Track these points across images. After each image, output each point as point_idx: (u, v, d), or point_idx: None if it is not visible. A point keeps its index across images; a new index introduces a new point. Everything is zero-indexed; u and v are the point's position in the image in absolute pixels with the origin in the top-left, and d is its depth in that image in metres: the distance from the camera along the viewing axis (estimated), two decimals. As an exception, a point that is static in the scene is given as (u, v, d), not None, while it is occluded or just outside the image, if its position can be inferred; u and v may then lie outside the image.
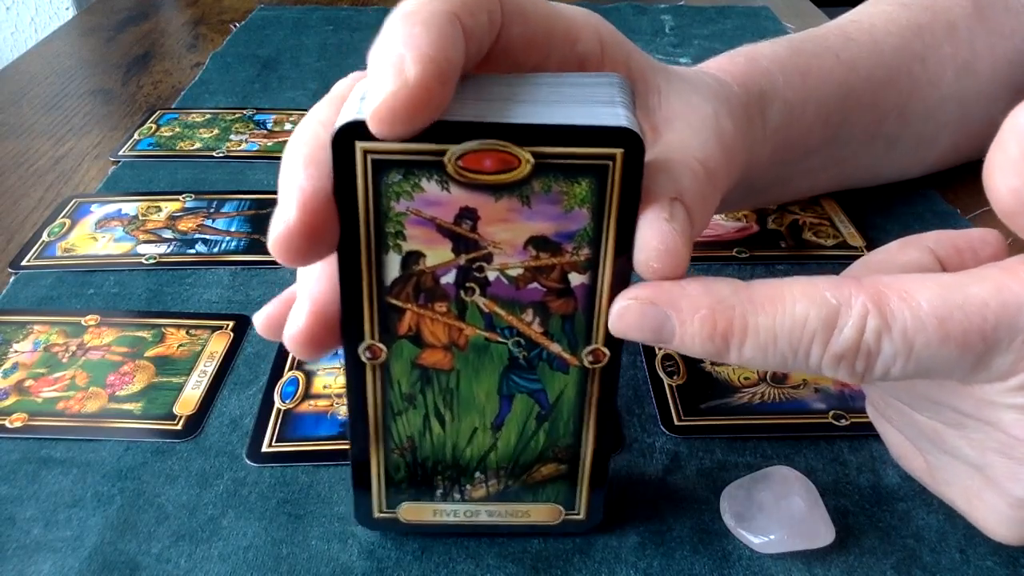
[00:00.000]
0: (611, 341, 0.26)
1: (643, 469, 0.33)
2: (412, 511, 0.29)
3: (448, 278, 0.25)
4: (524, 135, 0.22)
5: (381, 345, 0.26)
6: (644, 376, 0.38)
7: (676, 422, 0.35)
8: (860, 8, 0.48)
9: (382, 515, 0.29)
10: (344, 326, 0.25)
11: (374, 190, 0.23)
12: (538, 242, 0.24)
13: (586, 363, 0.26)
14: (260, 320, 0.28)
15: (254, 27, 0.83)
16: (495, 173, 0.23)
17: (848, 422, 0.35)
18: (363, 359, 0.26)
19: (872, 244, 0.47)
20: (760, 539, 0.30)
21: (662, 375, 0.38)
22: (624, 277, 0.25)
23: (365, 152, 0.22)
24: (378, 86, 0.21)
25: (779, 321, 0.24)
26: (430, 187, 0.23)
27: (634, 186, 0.23)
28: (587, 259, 0.24)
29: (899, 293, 0.24)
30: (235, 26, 0.84)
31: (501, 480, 0.29)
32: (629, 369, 0.38)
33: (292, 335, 0.25)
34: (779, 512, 0.30)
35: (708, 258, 0.46)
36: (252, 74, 0.71)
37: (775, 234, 0.48)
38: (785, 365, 0.24)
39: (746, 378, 0.37)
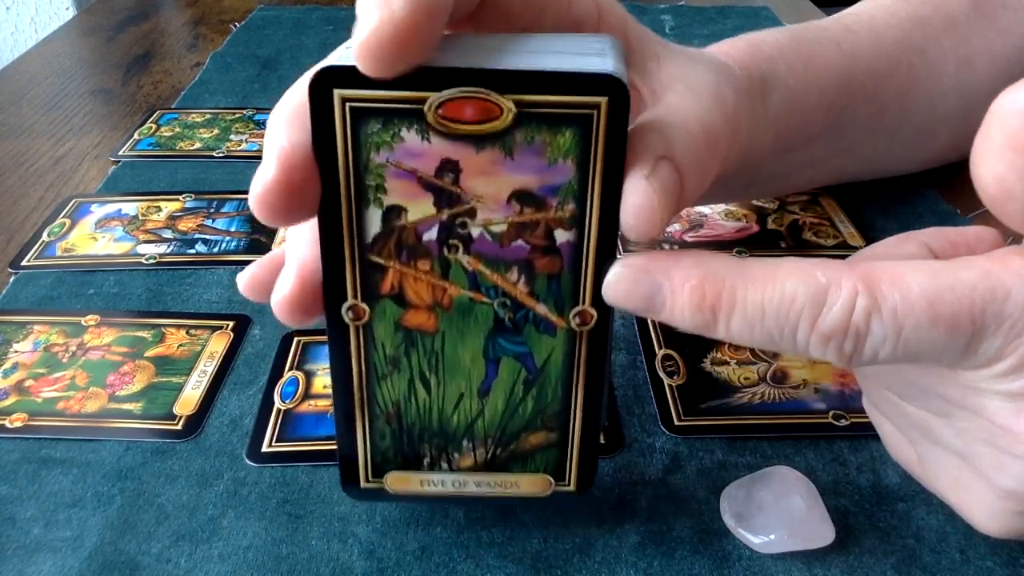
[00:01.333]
0: (599, 302, 0.25)
1: (643, 469, 0.33)
2: (399, 480, 0.29)
3: (431, 235, 0.24)
4: (505, 82, 0.22)
5: (364, 305, 0.25)
6: (644, 376, 0.38)
7: (676, 422, 0.35)
8: (860, 3, 0.48)
9: (369, 485, 0.29)
10: (326, 286, 0.25)
11: (353, 140, 0.23)
12: (522, 196, 0.24)
13: (573, 325, 0.25)
14: (243, 280, 0.27)
15: (254, 27, 0.83)
16: (476, 123, 0.22)
17: (848, 422, 0.35)
18: (346, 320, 0.25)
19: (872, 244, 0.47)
20: (760, 539, 0.30)
21: (662, 375, 0.38)
22: (611, 235, 0.24)
23: (344, 99, 0.22)
24: (364, 21, 0.21)
25: (767, 296, 0.24)
26: (410, 137, 0.23)
27: (620, 137, 0.23)
28: (572, 215, 0.24)
29: (890, 276, 0.24)
30: (235, 26, 0.84)
31: (489, 449, 0.28)
32: (629, 369, 0.38)
33: (279, 301, 0.25)
34: (779, 512, 0.30)
35: (708, 258, 0.46)
36: (252, 74, 0.71)
37: (775, 234, 0.48)
38: (772, 342, 0.24)
39: (746, 378, 0.37)
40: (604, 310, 0.25)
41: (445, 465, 0.28)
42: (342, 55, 0.22)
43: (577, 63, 0.22)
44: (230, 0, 0.93)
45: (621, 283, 0.24)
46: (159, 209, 0.51)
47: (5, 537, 0.31)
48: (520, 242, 0.24)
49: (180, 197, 0.52)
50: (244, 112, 0.64)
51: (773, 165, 0.41)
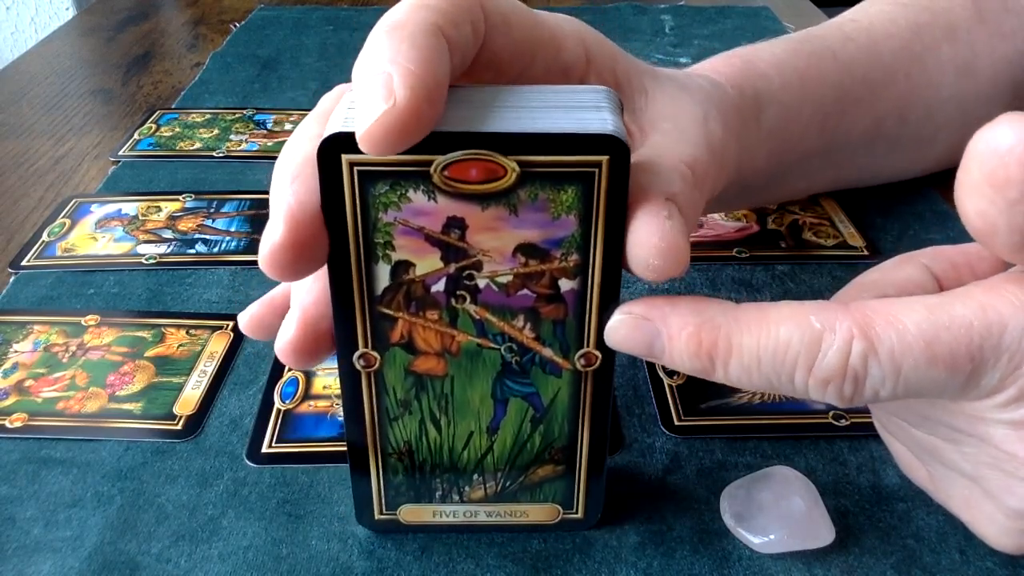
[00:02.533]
0: (603, 344, 0.26)
1: (643, 469, 0.33)
2: (412, 513, 0.30)
3: (438, 286, 0.25)
4: (509, 144, 0.22)
5: (375, 353, 0.26)
6: (644, 376, 0.38)
7: (676, 422, 0.35)
8: (860, 7, 0.48)
9: (383, 517, 0.30)
10: (338, 336, 0.26)
11: (361, 201, 0.23)
12: (527, 249, 0.24)
13: (578, 366, 0.26)
14: (244, 320, 0.28)
15: (254, 27, 0.83)
16: (481, 183, 0.23)
17: (848, 422, 0.35)
18: (357, 367, 0.26)
19: (872, 244, 0.47)
20: (760, 539, 0.30)
21: (662, 375, 0.38)
22: (614, 282, 0.25)
23: (351, 164, 0.23)
24: (367, 106, 0.22)
25: (763, 343, 0.24)
26: (417, 197, 0.23)
27: (621, 192, 0.23)
28: (576, 265, 0.24)
29: (885, 317, 0.24)
30: (235, 26, 0.84)
31: (499, 481, 0.29)
32: (629, 369, 0.38)
33: (283, 346, 0.26)
34: (779, 512, 0.30)
35: (708, 258, 0.46)
36: (252, 74, 0.71)
37: (775, 234, 0.48)
38: (771, 386, 0.25)
39: (746, 378, 0.37)
40: (608, 350, 0.26)
41: (456, 497, 0.29)
42: (345, 117, 0.23)
43: (577, 120, 0.23)
44: (230, 0, 0.93)
45: (621, 329, 0.25)
46: (159, 209, 0.51)
47: (5, 537, 0.31)
48: (525, 291, 0.25)
49: (180, 197, 0.52)
50: (244, 112, 0.64)
51: (769, 178, 0.41)
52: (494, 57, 0.27)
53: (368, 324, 0.25)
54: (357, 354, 0.26)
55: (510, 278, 0.25)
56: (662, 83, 0.32)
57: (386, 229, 0.24)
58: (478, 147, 0.22)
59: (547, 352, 0.26)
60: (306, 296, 0.26)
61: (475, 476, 0.29)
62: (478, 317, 0.25)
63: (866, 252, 0.46)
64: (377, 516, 0.30)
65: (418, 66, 0.22)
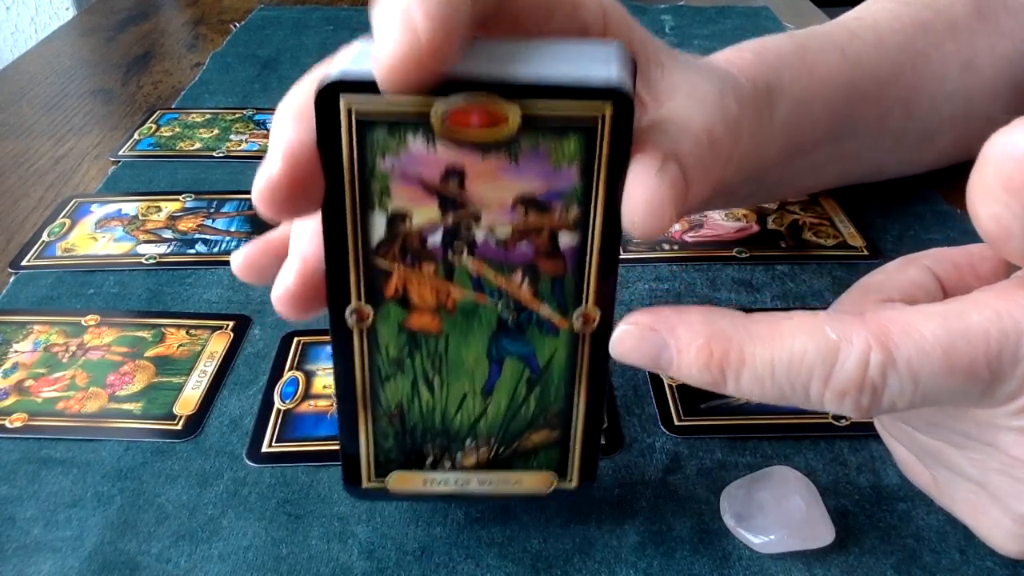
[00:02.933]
0: (602, 303, 0.25)
1: (643, 469, 0.33)
2: (402, 480, 0.29)
3: (435, 238, 0.24)
4: (511, 90, 0.22)
5: (368, 308, 0.25)
6: (644, 376, 0.38)
7: (676, 422, 0.35)
8: (863, 6, 0.48)
9: (371, 485, 0.29)
10: (329, 288, 0.25)
11: (359, 146, 0.23)
12: (526, 201, 0.24)
13: (576, 326, 0.26)
14: (237, 261, 0.27)
15: (254, 27, 0.83)
16: (482, 129, 0.22)
17: (848, 422, 0.35)
18: (349, 323, 0.25)
19: (872, 244, 0.47)
20: (760, 539, 0.30)
21: (662, 375, 0.38)
22: (614, 238, 0.24)
23: (349, 107, 0.22)
24: (386, 39, 0.21)
25: (777, 354, 0.24)
26: (416, 144, 0.23)
27: (624, 144, 0.23)
28: (576, 219, 0.24)
29: (902, 327, 0.24)
30: (235, 26, 0.84)
31: (492, 447, 0.28)
32: (629, 369, 0.38)
33: (279, 295, 0.25)
34: (779, 512, 0.30)
35: (708, 258, 0.46)
36: (252, 74, 0.71)
37: (775, 234, 0.48)
38: (784, 398, 0.24)
39: (746, 378, 0.37)
40: (607, 310, 0.25)
41: (448, 464, 0.28)
42: (348, 60, 0.22)
43: (583, 70, 0.23)
44: (230, 0, 0.93)
45: (627, 341, 0.25)
46: (159, 209, 0.51)
47: (5, 537, 0.31)
48: (524, 246, 0.24)
49: (180, 197, 0.52)
50: (244, 112, 0.64)
51: (779, 173, 0.41)
52: (513, 12, 0.26)
53: (362, 276, 0.25)
54: (350, 308, 0.25)
55: (508, 232, 0.24)
56: (677, 60, 0.31)
57: (383, 177, 0.23)
58: (479, 92, 0.22)
59: (544, 310, 0.25)
60: (306, 245, 0.25)
61: (468, 441, 0.28)
62: (475, 272, 0.25)
63: (866, 252, 0.46)
64: (365, 484, 0.29)
65: (439, 3, 0.21)
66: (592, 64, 0.23)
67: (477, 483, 0.29)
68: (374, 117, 0.22)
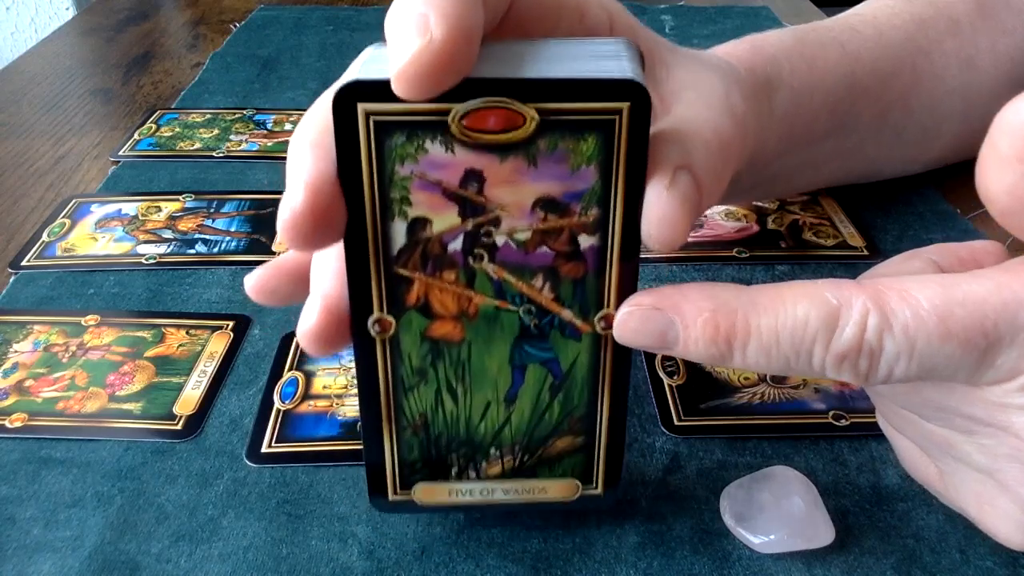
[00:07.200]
0: (615, 334, 0.25)
1: (643, 469, 0.33)
2: (427, 492, 0.29)
3: (455, 245, 0.24)
4: (528, 91, 0.22)
5: (390, 318, 0.25)
6: (644, 376, 0.38)
7: (676, 422, 0.35)
8: (863, 4, 0.48)
9: (397, 497, 0.29)
10: (352, 300, 0.25)
11: (377, 153, 0.23)
12: (546, 203, 0.24)
13: (599, 329, 0.26)
14: (250, 284, 0.27)
15: (254, 27, 0.83)
16: (500, 132, 0.22)
17: (848, 422, 0.35)
18: (372, 334, 0.25)
19: (872, 244, 0.47)
20: (760, 539, 0.30)
21: (662, 375, 0.38)
22: (635, 237, 0.24)
23: (367, 114, 0.22)
24: (402, 45, 0.21)
25: (781, 322, 0.24)
26: (435, 149, 0.23)
27: (642, 141, 0.23)
28: (596, 220, 0.24)
29: (899, 292, 0.24)
30: (235, 26, 0.84)
31: (516, 456, 0.28)
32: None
33: (304, 333, 0.25)
34: (779, 512, 0.30)
35: (708, 258, 0.46)
36: (252, 74, 0.71)
37: (775, 234, 0.48)
38: (788, 367, 0.24)
39: (746, 378, 0.37)
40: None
41: (473, 474, 0.28)
42: (363, 67, 0.22)
43: (597, 68, 0.22)
44: (230, 0, 0.93)
45: (631, 322, 0.25)
46: (159, 209, 0.51)
47: (5, 537, 0.31)
48: (544, 248, 0.24)
49: (180, 197, 0.52)
50: (244, 112, 0.64)
51: (778, 166, 0.41)
52: (520, 17, 0.26)
53: (383, 286, 0.25)
54: (372, 319, 0.25)
55: (529, 234, 0.24)
56: (681, 57, 0.32)
57: (403, 183, 0.23)
58: (496, 94, 0.22)
59: (566, 314, 0.25)
60: (327, 283, 0.26)
61: (492, 450, 0.28)
62: (496, 277, 0.25)
63: (866, 252, 0.46)
64: (391, 496, 0.29)
65: (452, 7, 0.21)
66: (604, 61, 0.23)
67: (502, 492, 0.29)
68: (392, 123, 0.22)
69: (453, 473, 0.28)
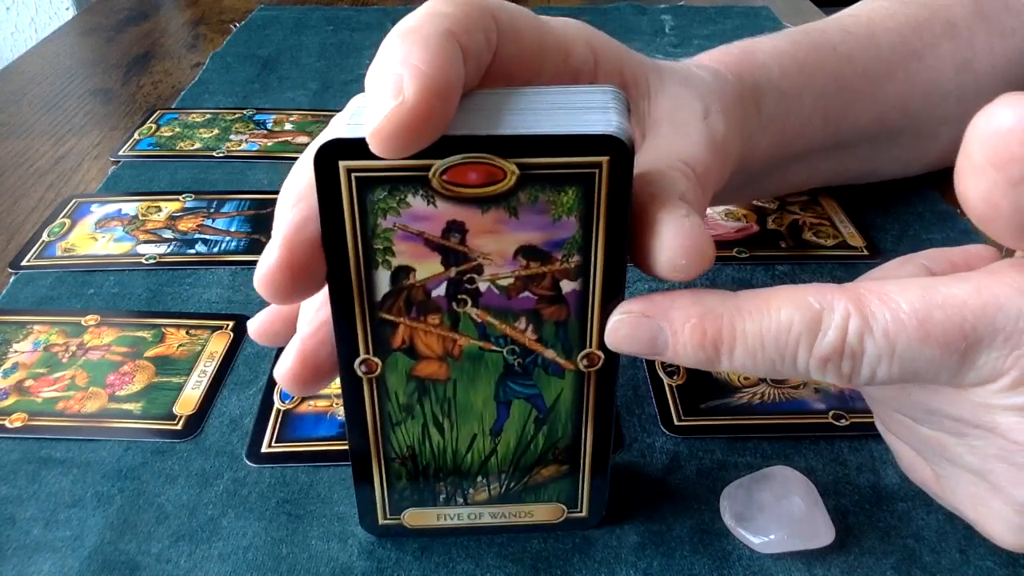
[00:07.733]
0: (606, 345, 0.26)
1: (643, 469, 0.33)
2: (416, 516, 0.29)
3: (439, 291, 0.25)
4: (508, 147, 0.22)
5: (376, 359, 0.26)
6: (644, 376, 0.38)
7: (676, 422, 0.35)
8: (859, 4, 0.48)
9: (387, 521, 0.30)
10: (338, 343, 0.25)
11: (360, 208, 0.23)
12: (528, 251, 0.24)
13: (581, 367, 0.26)
14: (253, 327, 0.29)
15: (254, 27, 0.83)
16: (480, 186, 0.23)
17: (848, 422, 0.35)
18: (359, 374, 0.26)
19: (872, 244, 0.47)
20: (760, 539, 0.30)
21: (662, 375, 0.38)
22: (617, 280, 0.25)
23: (349, 170, 0.22)
24: (376, 105, 0.21)
25: (765, 326, 0.24)
26: (416, 202, 0.23)
27: (623, 192, 0.23)
28: (578, 266, 0.24)
29: (880, 296, 0.24)
30: (235, 26, 0.84)
31: (502, 483, 0.29)
32: (629, 369, 0.38)
33: (281, 375, 0.26)
34: (779, 512, 0.30)
35: (708, 258, 0.46)
36: (252, 74, 0.71)
37: (775, 234, 0.48)
38: (774, 370, 0.25)
39: (746, 378, 0.37)
40: (611, 350, 0.26)
41: (460, 500, 0.29)
42: (346, 124, 0.23)
43: (579, 121, 0.23)
44: (230, 0, 0.93)
45: (622, 329, 0.25)
46: (159, 209, 0.51)
47: (5, 537, 0.31)
48: (527, 293, 0.25)
49: (180, 197, 0.52)
50: (244, 112, 0.64)
51: (770, 166, 0.41)
52: (505, 65, 0.27)
53: (369, 330, 0.25)
54: (358, 360, 0.26)
55: (511, 280, 0.25)
56: (665, 81, 0.32)
57: (385, 235, 0.23)
58: (477, 151, 0.22)
59: (549, 353, 0.26)
60: (306, 327, 0.26)
61: (479, 478, 0.29)
62: (479, 320, 0.25)
63: (866, 252, 0.46)
64: (381, 521, 0.30)
65: (429, 66, 0.22)
66: (587, 113, 0.23)
67: (489, 516, 0.30)
68: (373, 178, 0.23)
69: (441, 499, 0.29)
